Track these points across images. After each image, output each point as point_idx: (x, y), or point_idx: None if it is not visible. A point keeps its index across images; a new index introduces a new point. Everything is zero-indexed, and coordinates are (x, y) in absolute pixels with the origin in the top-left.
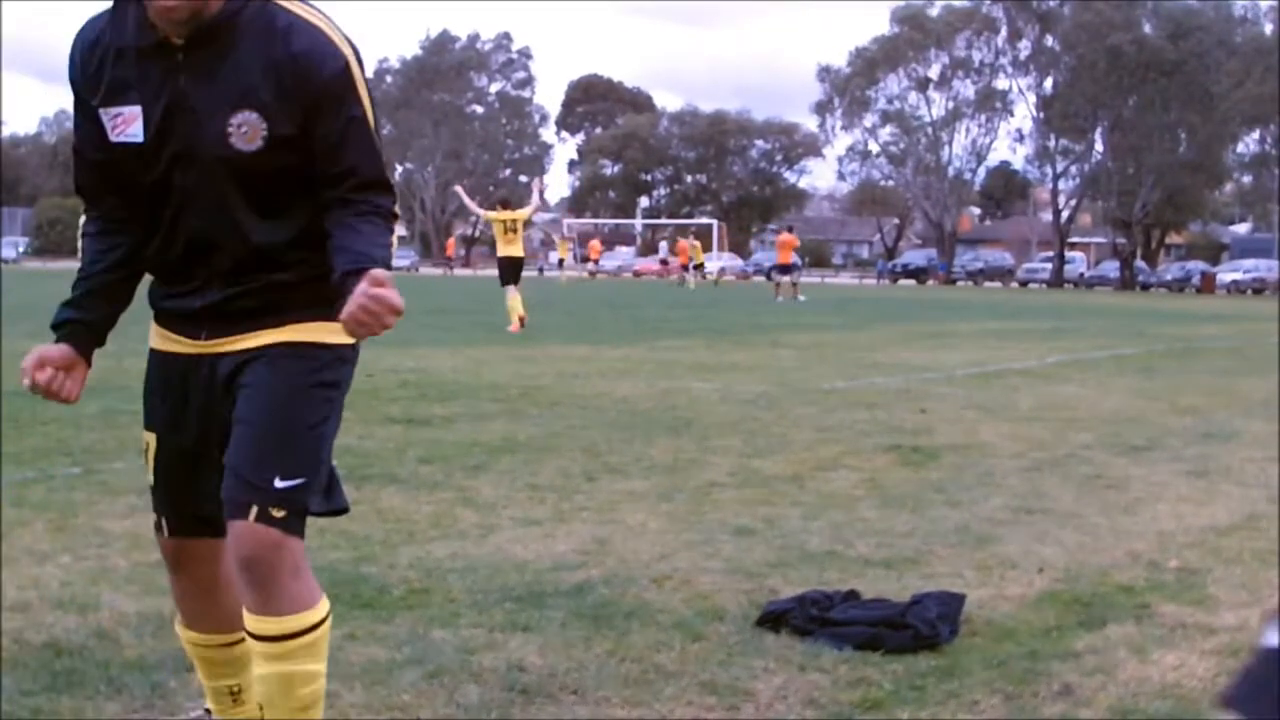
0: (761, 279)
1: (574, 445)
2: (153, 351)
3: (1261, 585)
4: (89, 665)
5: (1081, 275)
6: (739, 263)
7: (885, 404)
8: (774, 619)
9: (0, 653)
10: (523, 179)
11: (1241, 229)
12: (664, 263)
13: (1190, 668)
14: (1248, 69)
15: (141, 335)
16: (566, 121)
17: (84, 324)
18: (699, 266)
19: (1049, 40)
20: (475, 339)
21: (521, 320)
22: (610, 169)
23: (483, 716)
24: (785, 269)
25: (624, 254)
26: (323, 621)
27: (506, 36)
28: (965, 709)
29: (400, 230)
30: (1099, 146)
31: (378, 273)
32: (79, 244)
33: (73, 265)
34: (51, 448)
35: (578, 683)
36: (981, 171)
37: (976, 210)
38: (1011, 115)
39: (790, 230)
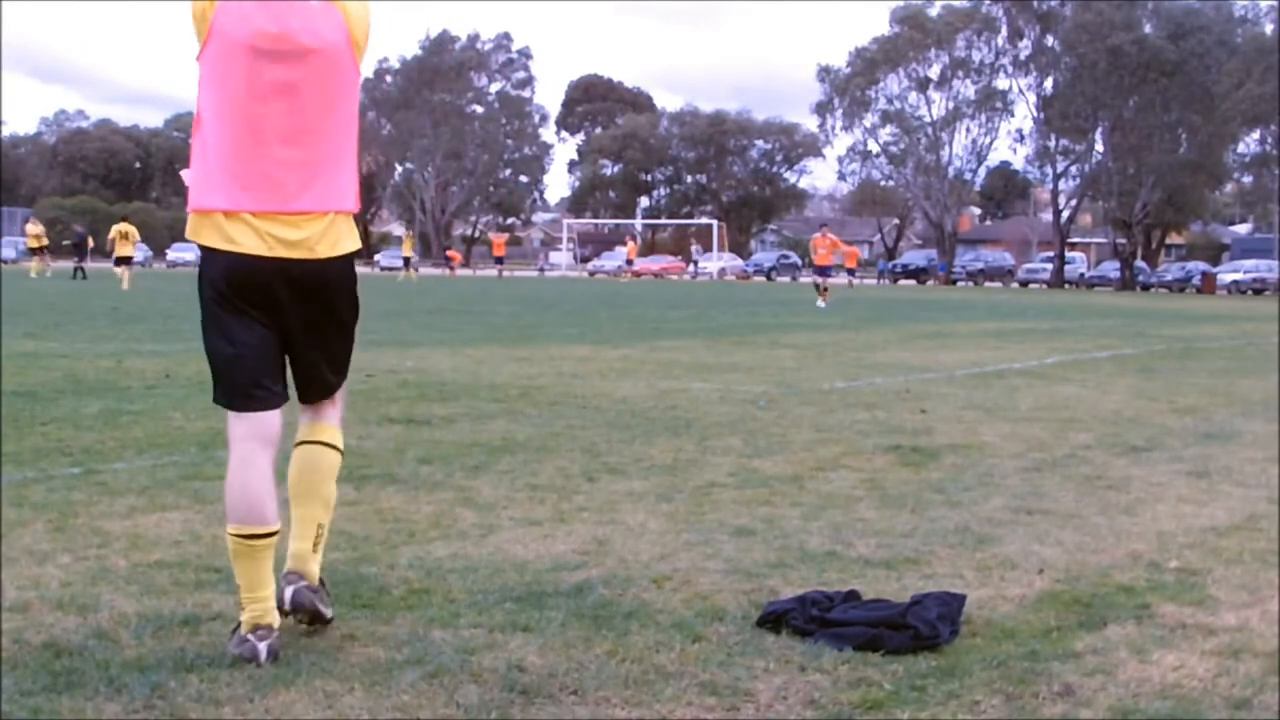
0: (762, 279)
1: (574, 445)
2: None
3: (1261, 585)
4: (89, 665)
5: (1082, 275)
6: (739, 263)
7: (885, 404)
8: (774, 619)
9: (0, 653)
10: (523, 179)
11: (1242, 229)
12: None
13: (1190, 668)
14: (1248, 69)
15: (142, 335)
16: (566, 121)
17: None
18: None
19: (1049, 40)
20: (474, 339)
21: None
22: (610, 169)
23: (483, 717)
24: (823, 270)
25: (622, 254)
26: None
27: (506, 36)
28: (965, 709)
29: (401, 230)
30: (1099, 146)
31: None
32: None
33: (69, 266)
34: (51, 448)
35: (578, 683)
36: (981, 171)
37: (976, 210)
38: (1011, 115)
39: (822, 229)
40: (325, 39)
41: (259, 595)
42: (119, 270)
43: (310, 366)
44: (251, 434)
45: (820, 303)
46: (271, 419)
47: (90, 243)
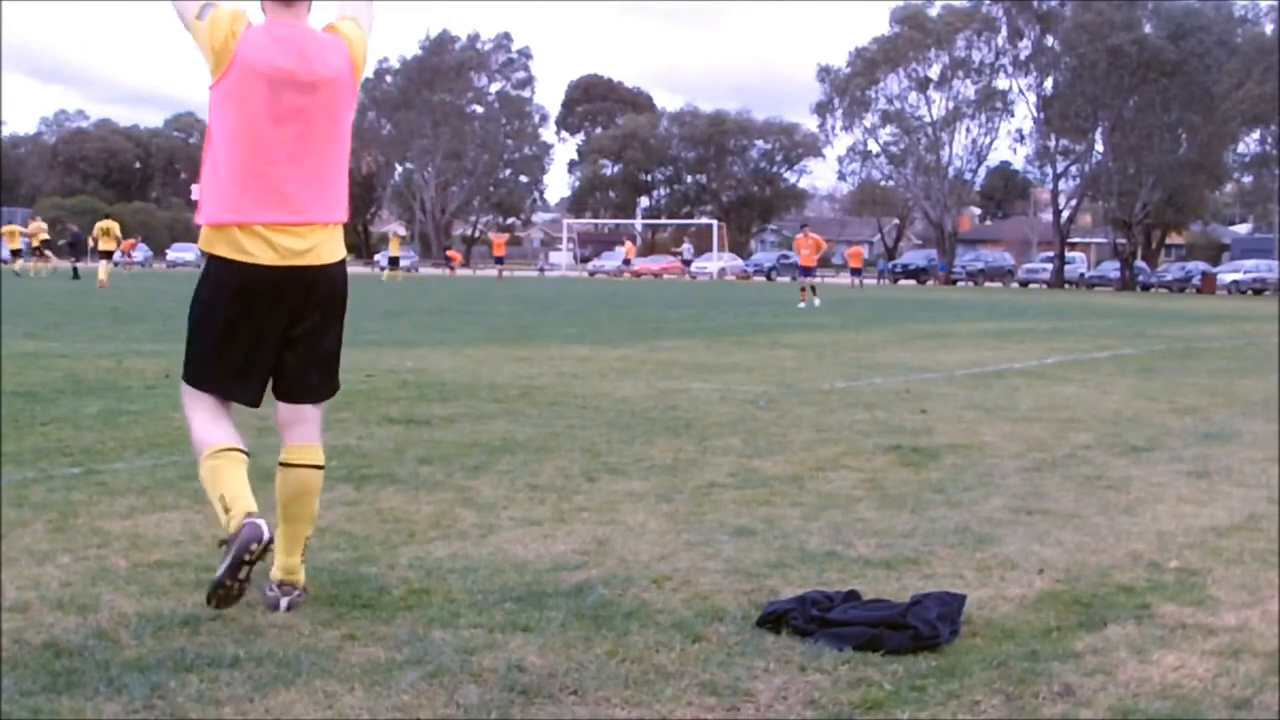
0: (762, 279)
1: (574, 445)
2: None
3: (1261, 585)
4: (89, 665)
5: (1082, 275)
6: (739, 263)
7: (885, 404)
8: (774, 619)
9: (0, 653)
10: (523, 179)
11: (1242, 229)
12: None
13: (1190, 668)
14: (1248, 69)
15: (142, 335)
16: (566, 121)
17: None
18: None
19: (1049, 40)
20: (474, 339)
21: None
22: (610, 169)
23: (483, 717)
24: (808, 271)
25: (622, 253)
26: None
27: (506, 36)
28: (965, 709)
29: (400, 229)
30: (1099, 146)
31: None
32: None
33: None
34: (51, 448)
35: (578, 683)
36: (981, 171)
37: (976, 210)
38: (1011, 115)
39: (804, 229)
40: (334, 68)
41: (239, 496)
42: (100, 266)
43: (304, 367)
44: (209, 407)
45: (801, 304)
46: (224, 402)
47: (90, 242)
